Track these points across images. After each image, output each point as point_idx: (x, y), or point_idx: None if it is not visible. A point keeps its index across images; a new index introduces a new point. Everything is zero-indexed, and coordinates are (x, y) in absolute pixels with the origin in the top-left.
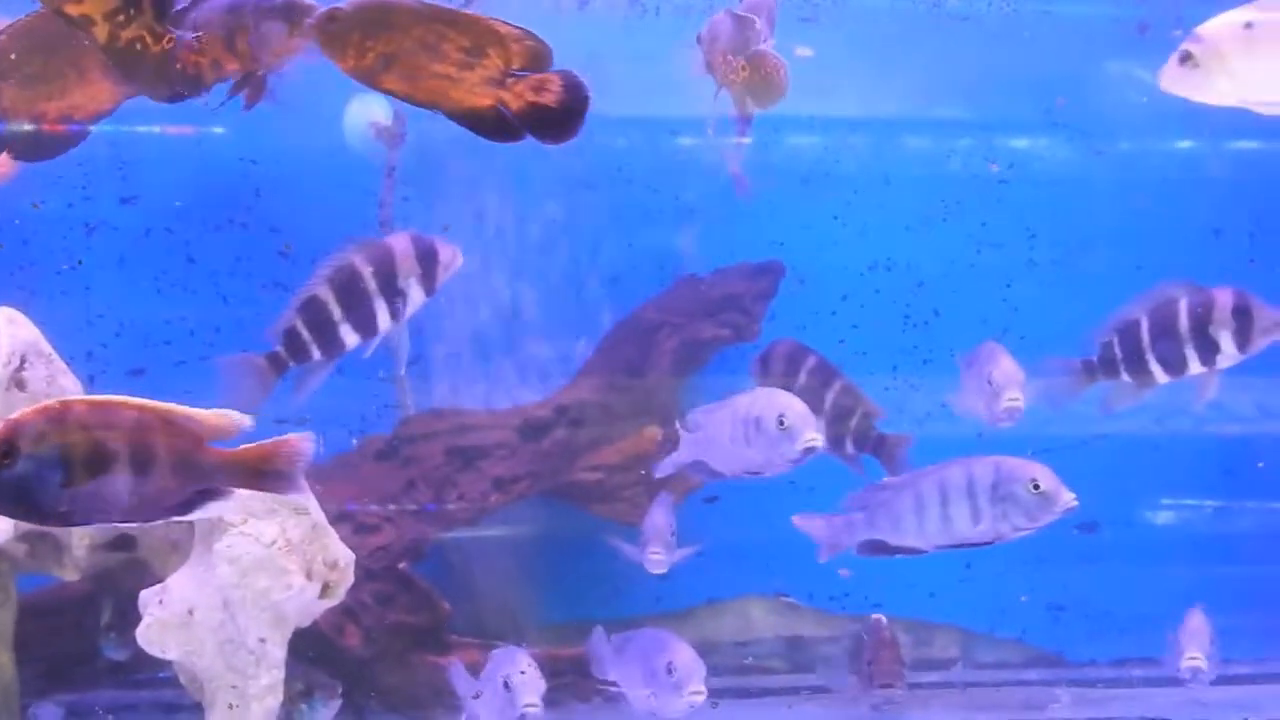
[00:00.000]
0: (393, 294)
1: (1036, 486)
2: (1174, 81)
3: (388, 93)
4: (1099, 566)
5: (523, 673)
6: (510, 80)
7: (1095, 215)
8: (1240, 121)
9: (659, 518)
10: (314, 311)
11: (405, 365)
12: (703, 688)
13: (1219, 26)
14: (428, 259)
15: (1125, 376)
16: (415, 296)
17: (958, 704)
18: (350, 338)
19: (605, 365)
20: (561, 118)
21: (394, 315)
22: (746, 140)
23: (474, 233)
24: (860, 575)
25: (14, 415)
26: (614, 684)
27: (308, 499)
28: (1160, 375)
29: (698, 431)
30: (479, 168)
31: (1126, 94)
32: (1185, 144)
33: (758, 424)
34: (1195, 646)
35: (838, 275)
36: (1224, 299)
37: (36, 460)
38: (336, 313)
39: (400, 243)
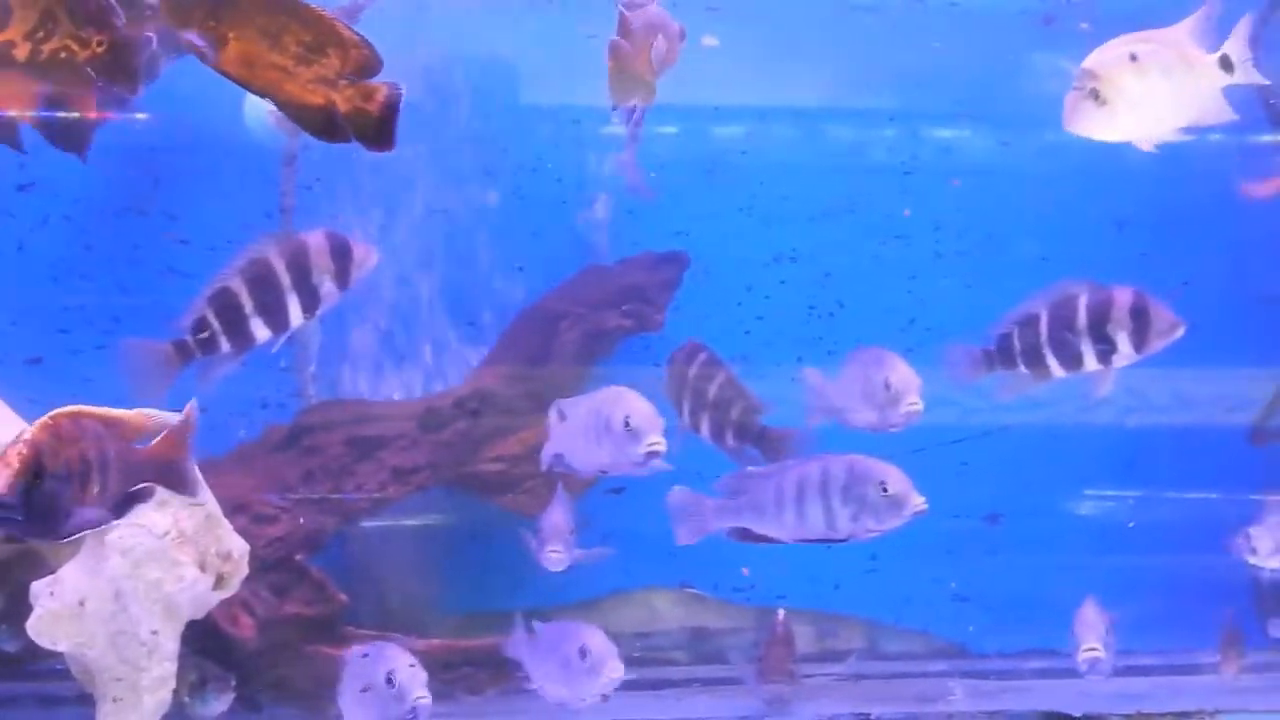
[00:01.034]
0: (306, 290)
1: (885, 489)
2: (1082, 122)
3: (223, 74)
4: (1005, 557)
5: (411, 666)
6: (342, 83)
7: (1001, 208)
8: None
9: (557, 515)
10: (225, 302)
11: (315, 359)
12: (619, 672)
13: (1111, 63)
14: (342, 256)
15: (1023, 369)
16: (328, 294)
17: (852, 696)
18: (261, 331)
19: (507, 356)
20: (380, 127)
21: (306, 311)
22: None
23: (377, 222)
24: (766, 567)
25: (24, 435)
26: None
27: (202, 489)
28: (1057, 369)
29: (563, 423)
30: (383, 157)
31: (1032, 86)
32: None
33: (607, 423)
34: (1092, 637)
35: (743, 266)
36: (1122, 298)
37: (56, 478)
38: (248, 305)
39: (315, 239)
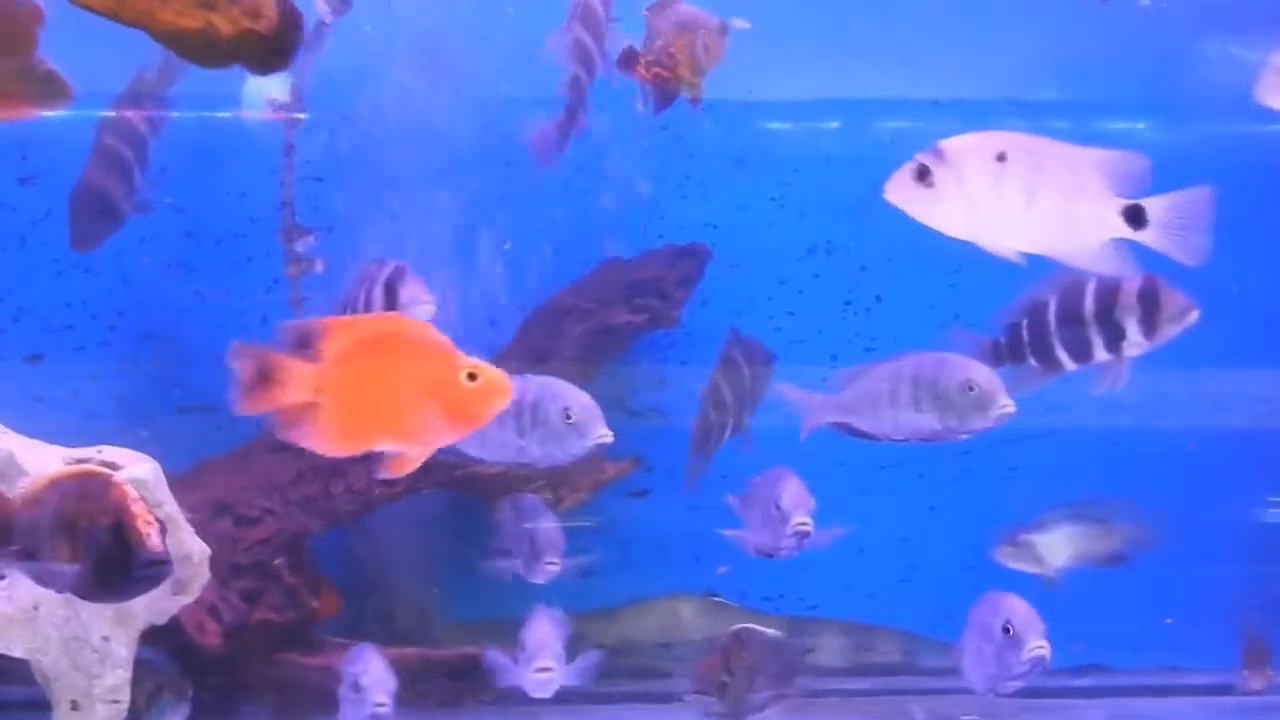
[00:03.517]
0: None
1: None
2: (902, 195)
3: (90, 9)
4: None
5: (376, 673)
6: (222, 3)
7: None
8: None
9: (549, 526)
10: None
11: None
12: (552, 664)
13: (969, 150)
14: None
15: (1031, 361)
16: None
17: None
18: None
19: (516, 352)
20: (274, 46)
21: None
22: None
23: (394, 214)
24: (798, 575)
25: (129, 492)
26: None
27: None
28: (1067, 362)
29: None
30: (397, 148)
31: (1085, 73)
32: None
33: (535, 413)
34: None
35: (774, 259)
36: (1130, 283)
37: None
38: None
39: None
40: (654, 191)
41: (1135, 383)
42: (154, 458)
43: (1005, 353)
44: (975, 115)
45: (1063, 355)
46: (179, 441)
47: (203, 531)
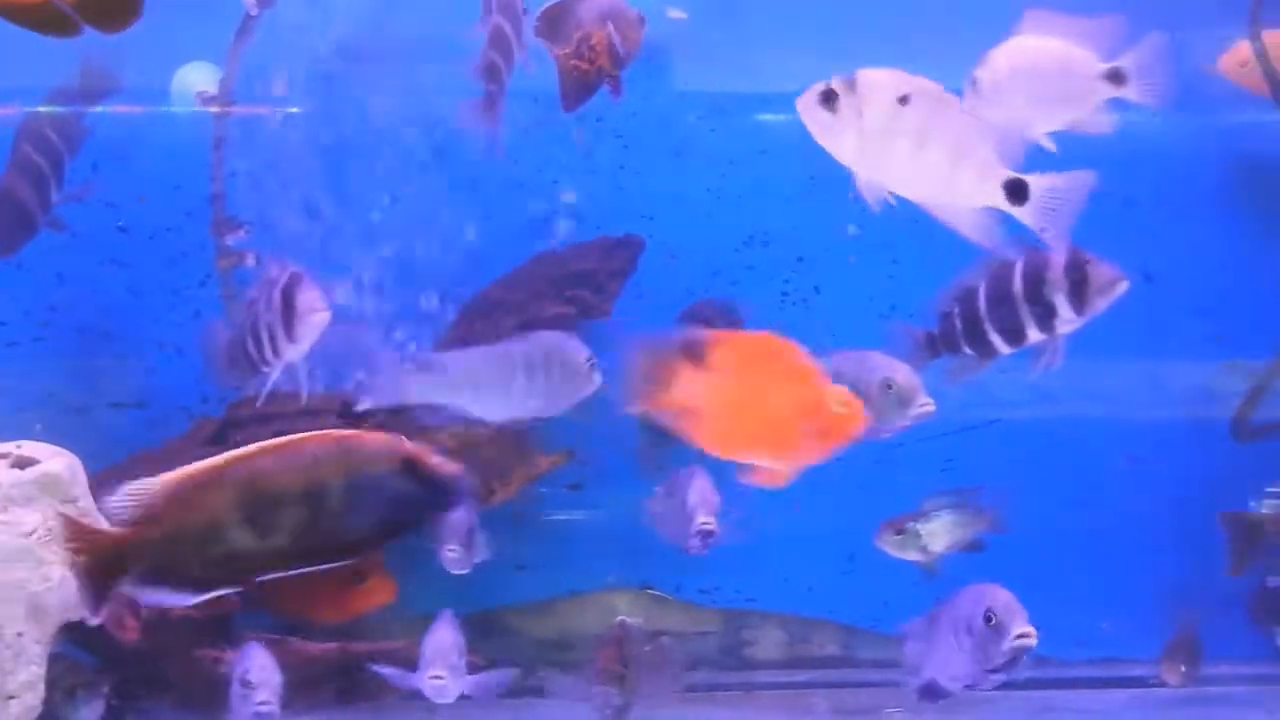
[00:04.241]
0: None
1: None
2: (806, 112)
3: None
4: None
5: (261, 670)
6: None
7: None
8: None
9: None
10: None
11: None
12: (443, 673)
13: (877, 85)
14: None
15: (966, 350)
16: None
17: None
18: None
19: (447, 347)
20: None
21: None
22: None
23: (320, 208)
24: (735, 568)
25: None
26: None
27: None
28: (1001, 346)
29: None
30: (322, 139)
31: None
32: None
33: None
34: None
35: (710, 250)
36: (1057, 258)
37: None
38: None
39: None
40: (588, 184)
41: (1073, 374)
42: (78, 453)
43: (940, 343)
44: None
45: (996, 340)
46: (111, 437)
47: None
